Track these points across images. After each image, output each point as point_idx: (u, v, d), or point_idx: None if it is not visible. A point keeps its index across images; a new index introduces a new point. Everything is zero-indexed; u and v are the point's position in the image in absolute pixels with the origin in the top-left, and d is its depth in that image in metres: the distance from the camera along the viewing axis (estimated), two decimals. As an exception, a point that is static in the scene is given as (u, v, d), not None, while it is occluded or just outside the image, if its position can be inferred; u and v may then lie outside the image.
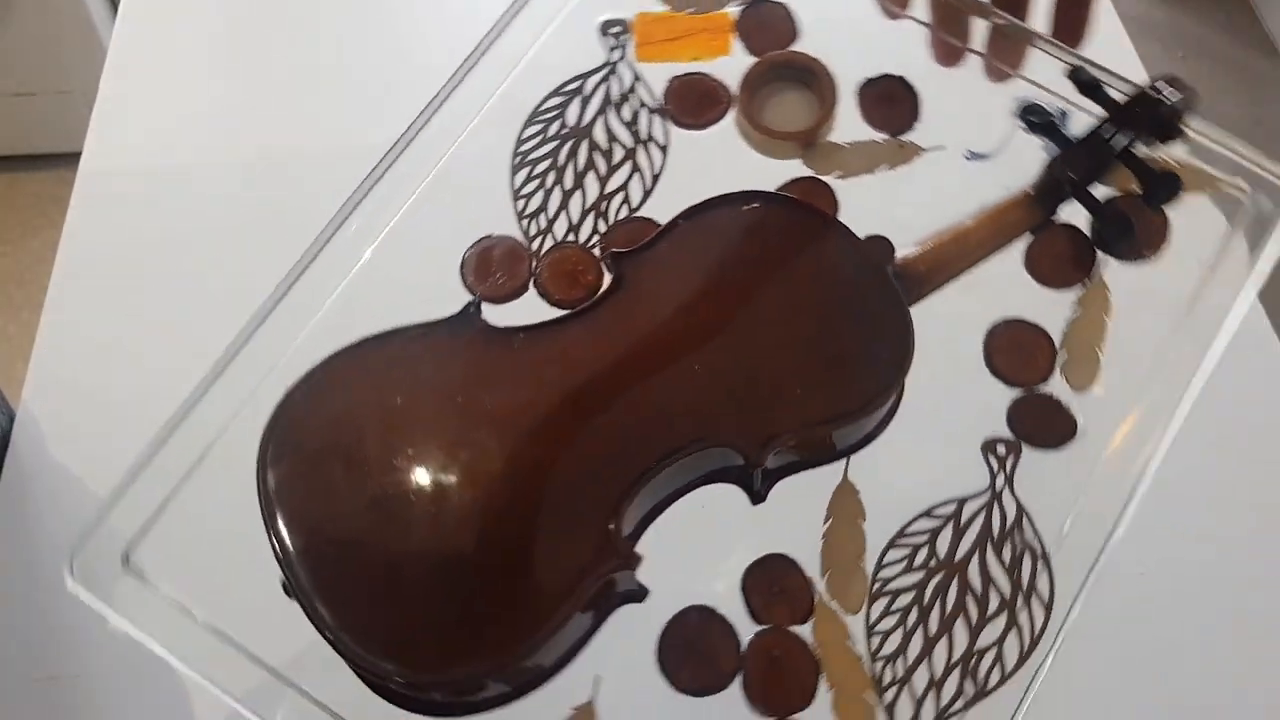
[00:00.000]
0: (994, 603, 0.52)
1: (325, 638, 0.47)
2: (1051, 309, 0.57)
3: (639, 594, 0.49)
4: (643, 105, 0.60)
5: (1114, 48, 0.86)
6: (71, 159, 0.80)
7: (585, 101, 0.60)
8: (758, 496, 0.51)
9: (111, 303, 0.74)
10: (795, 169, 0.59)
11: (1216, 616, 0.63)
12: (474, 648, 0.45)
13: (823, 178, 0.58)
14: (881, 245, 0.54)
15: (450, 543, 0.46)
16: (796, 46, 0.61)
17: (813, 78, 0.60)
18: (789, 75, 0.60)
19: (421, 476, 0.48)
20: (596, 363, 0.50)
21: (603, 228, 0.58)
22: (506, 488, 0.47)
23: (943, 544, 0.53)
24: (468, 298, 0.56)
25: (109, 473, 0.62)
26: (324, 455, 0.48)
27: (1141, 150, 0.57)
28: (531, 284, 0.56)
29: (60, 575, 0.59)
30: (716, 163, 0.60)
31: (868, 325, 0.51)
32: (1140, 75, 0.69)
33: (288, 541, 0.46)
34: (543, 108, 0.60)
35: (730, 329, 0.51)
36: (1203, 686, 0.62)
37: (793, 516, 0.53)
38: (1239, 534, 0.66)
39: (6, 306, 1.78)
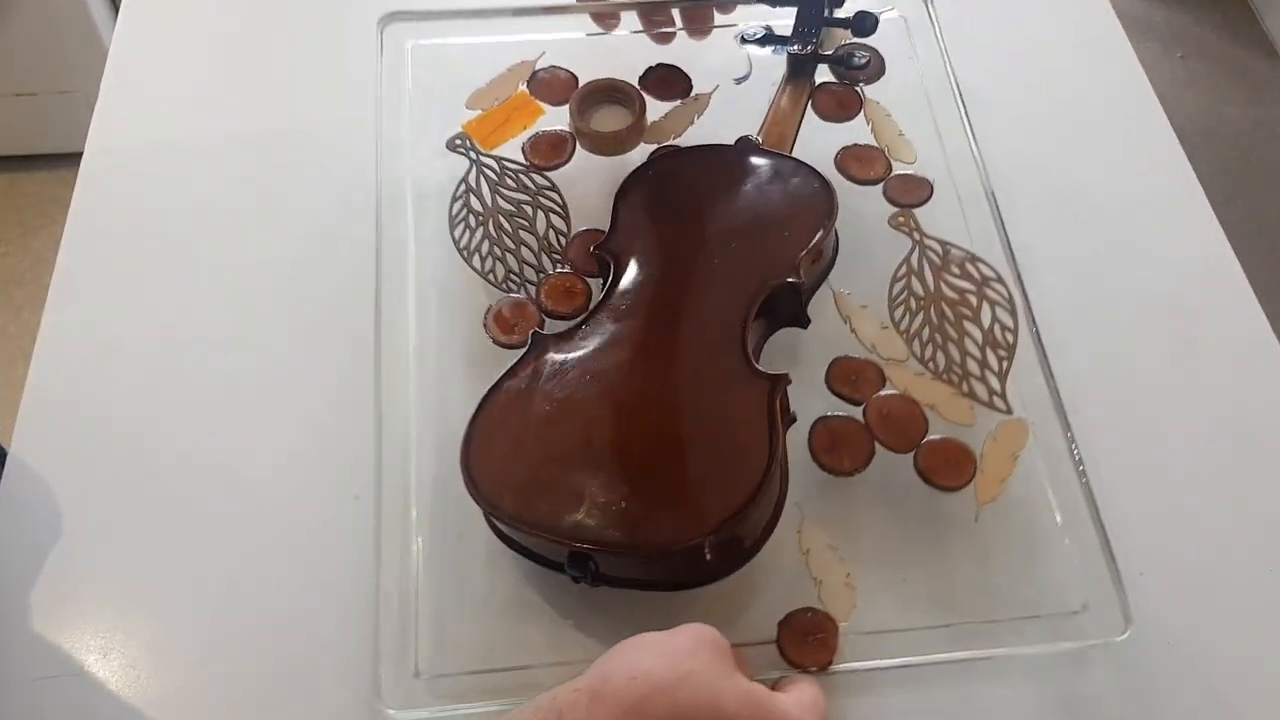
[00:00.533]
0: (974, 299, 0.70)
1: (637, 578, 0.58)
2: (859, 132, 0.78)
3: (794, 417, 0.63)
4: (517, 171, 0.75)
5: (1113, 47, 0.91)
6: (73, 159, 0.80)
7: (477, 193, 0.75)
8: (807, 321, 0.67)
9: (113, 302, 0.74)
10: (646, 151, 0.77)
11: (1215, 617, 0.64)
12: (738, 486, 0.57)
13: (670, 143, 0.77)
14: (749, 140, 0.73)
15: (664, 442, 0.59)
16: (582, 85, 0.79)
17: (616, 91, 0.78)
18: (598, 99, 0.78)
19: (617, 427, 0.60)
20: (654, 299, 0.64)
21: (558, 258, 0.72)
22: (672, 393, 0.61)
23: (917, 288, 0.71)
24: (498, 350, 0.68)
25: (111, 471, 0.67)
26: (533, 475, 0.59)
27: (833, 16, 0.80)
28: (541, 314, 0.70)
29: (63, 576, 0.63)
30: (595, 177, 0.76)
31: (789, 180, 0.70)
32: (1138, 75, 0.88)
33: (561, 539, 0.56)
34: (454, 213, 0.74)
35: (712, 231, 0.67)
36: (1204, 685, 0.62)
37: (823, 331, 0.70)
38: (1239, 534, 0.67)
39: (7, 306, 1.72)
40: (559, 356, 0.63)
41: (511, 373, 0.64)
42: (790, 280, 0.64)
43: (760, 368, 0.61)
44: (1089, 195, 0.82)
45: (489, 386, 0.63)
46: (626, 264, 0.67)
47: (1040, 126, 0.86)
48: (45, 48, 1.72)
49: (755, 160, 0.71)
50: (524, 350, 0.65)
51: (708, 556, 0.58)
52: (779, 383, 0.60)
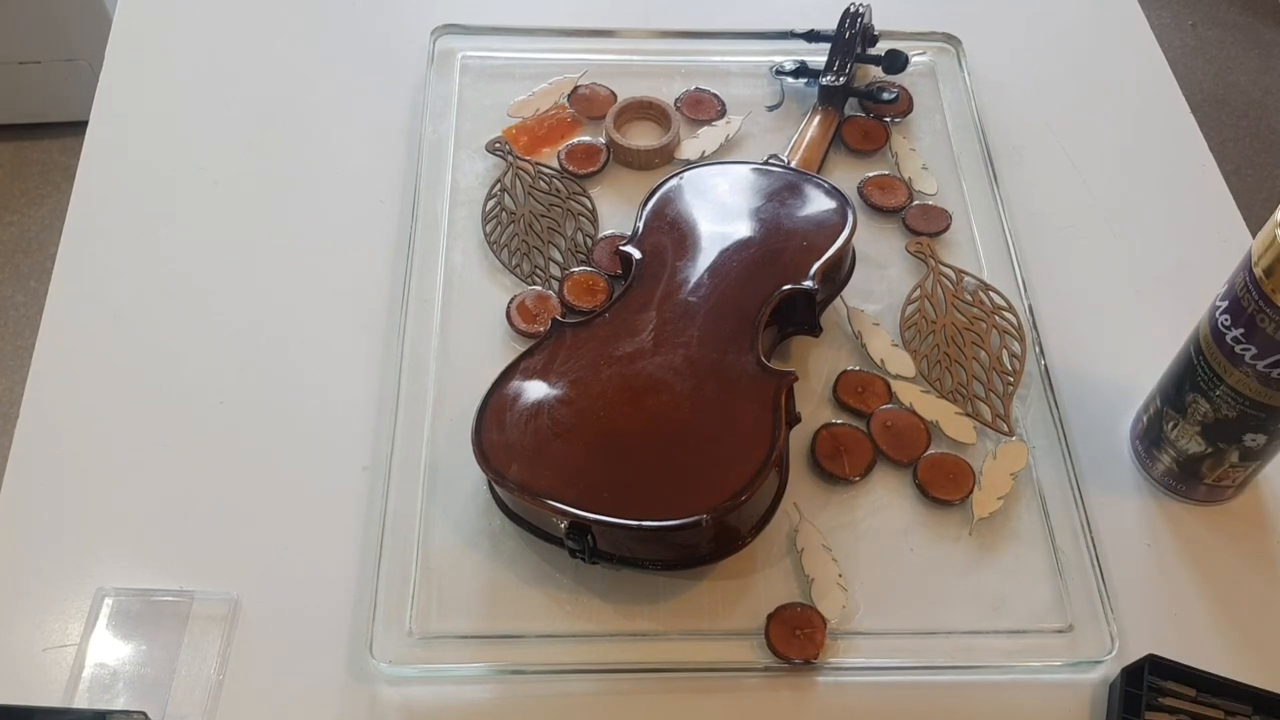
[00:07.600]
0: (983, 326, 0.72)
1: (639, 558, 0.60)
2: (884, 165, 0.81)
3: (799, 417, 0.64)
4: (550, 176, 0.79)
5: (1125, 16, 0.93)
6: (77, 127, 0.79)
7: (511, 193, 0.78)
8: (819, 330, 0.69)
9: (119, 270, 0.74)
10: (676, 168, 0.80)
11: (1202, 643, 0.64)
12: (736, 472, 0.58)
13: (700, 162, 0.80)
14: (777, 158, 0.76)
15: (670, 426, 0.61)
16: (621, 101, 0.82)
17: (651, 108, 0.82)
18: (635, 115, 0.82)
19: (626, 410, 0.61)
20: (674, 293, 0.67)
21: (583, 258, 0.75)
22: (683, 381, 0.62)
23: (929, 311, 0.73)
24: (519, 338, 0.71)
25: (118, 439, 0.67)
26: (540, 448, 0.61)
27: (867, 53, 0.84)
28: (563, 307, 0.72)
29: (71, 544, 0.63)
30: (625, 187, 0.79)
31: (810, 194, 0.72)
32: (1150, 42, 0.90)
33: (563, 509, 0.58)
34: (487, 210, 0.77)
35: (734, 235, 0.70)
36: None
37: (835, 344, 0.72)
38: (1234, 564, 0.67)
39: (14, 275, 1.72)
40: (576, 341, 0.65)
41: (529, 353, 0.66)
42: (806, 286, 0.66)
43: (769, 364, 0.63)
44: (1098, 161, 0.83)
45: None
46: (649, 261, 0.69)
47: (1050, 92, 0.88)
48: (49, 15, 1.71)
49: (780, 175, 0.74)
50: (546, 333, 0.67)
51: (703, 538, 0.59)
52: (785, 379, 0.62)
